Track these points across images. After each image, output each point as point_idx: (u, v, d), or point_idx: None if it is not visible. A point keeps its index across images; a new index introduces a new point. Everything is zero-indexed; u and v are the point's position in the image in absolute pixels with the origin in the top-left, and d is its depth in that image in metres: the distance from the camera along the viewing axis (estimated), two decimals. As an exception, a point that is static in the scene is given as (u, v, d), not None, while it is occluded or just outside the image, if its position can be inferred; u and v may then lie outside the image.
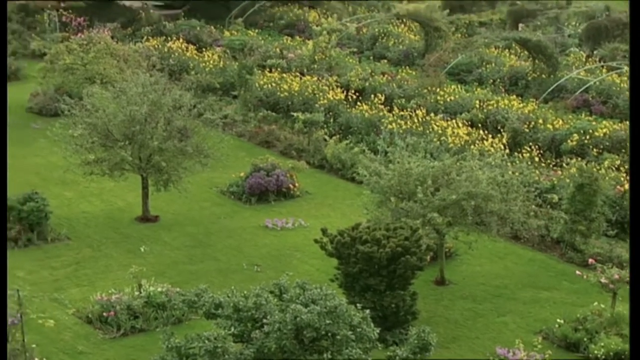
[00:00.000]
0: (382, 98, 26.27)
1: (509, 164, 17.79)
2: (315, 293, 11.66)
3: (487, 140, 22.39)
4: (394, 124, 23.75)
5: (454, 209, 15.75)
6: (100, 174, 18.76)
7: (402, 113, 24.76)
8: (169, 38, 34.43)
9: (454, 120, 24.18)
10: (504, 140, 22.58)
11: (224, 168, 20.22)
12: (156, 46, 32.76)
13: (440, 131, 23.18)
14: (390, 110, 25.31)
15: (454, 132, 22.98)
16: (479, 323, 15.30)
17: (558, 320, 14.86)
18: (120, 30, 37.22)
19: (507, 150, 21.56)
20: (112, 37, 31.97)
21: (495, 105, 25.49)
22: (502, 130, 23.88)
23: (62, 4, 40.93)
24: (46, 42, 34.31)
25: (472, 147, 21.60)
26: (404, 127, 23.58)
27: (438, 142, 22.42)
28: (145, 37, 34.98)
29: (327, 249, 14.67)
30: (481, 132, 23.26)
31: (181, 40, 33.91)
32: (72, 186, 20.59)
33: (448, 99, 26.46)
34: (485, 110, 25.23)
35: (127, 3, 42.08)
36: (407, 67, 31.68)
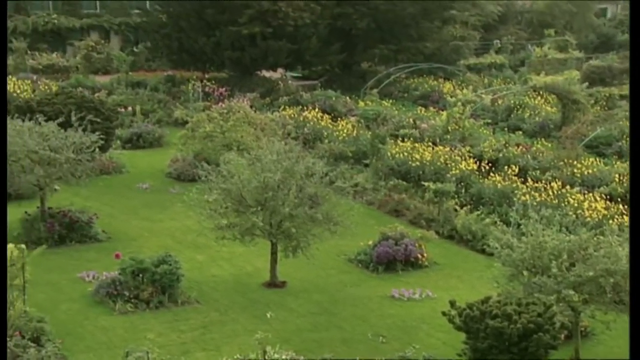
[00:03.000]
0: (516, 169, 25.75)
1: (650, 240, 16.87)
2: (440, 367, 11.32)
3: (627, 215, 21.46)
4: (527, 196, 23.14)
5: (591, 286, 15.00)
6: (231, 238, 19.04)
7: (536, 185, 24.13)
8: (305, 107, 35.20)
9: (591, 194, 23.36)
10: (646, 216, 21.57)
11: (352, 236, 20.16)
12: (292, 115, 33.53)
13: (576, 204, 22.41)
14: (524, 182, 24.74)
15: (591, 206, 22.16)
16: (616, 409, 14.43)
17: None
18: (259, 100, 38.44)
19: (650, 227, 20.55)
20: (251, 106, 33.02)
21: (636, 180, 24.48)
22: (644, 205, 22.86)
23: (206, 75, 42.85)
24: (189, 111, 35.68)
25: (610, 222, 20.72)
26: (538, 199, 22.94)
27: (574, 216, 21.61)
28: (282, 107, 35.94)
29: (455, 322, 14.25)
30: (621, 206, 22.34)
31: (317, 109, 34.59)
32: (204, 250, 21.04)
33: (585, 172, 25.65)
34: (625, 185, 24.27)
35: (267, 74, 43.51)
36: (543, 139, 31.04)
